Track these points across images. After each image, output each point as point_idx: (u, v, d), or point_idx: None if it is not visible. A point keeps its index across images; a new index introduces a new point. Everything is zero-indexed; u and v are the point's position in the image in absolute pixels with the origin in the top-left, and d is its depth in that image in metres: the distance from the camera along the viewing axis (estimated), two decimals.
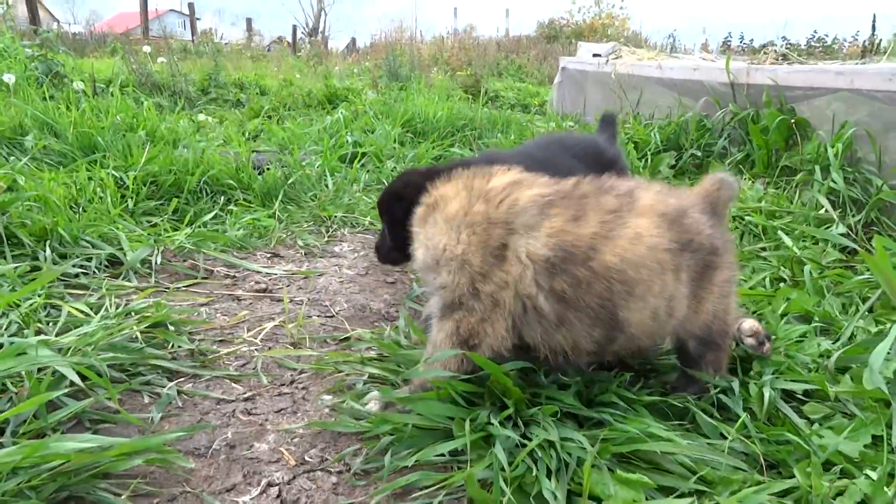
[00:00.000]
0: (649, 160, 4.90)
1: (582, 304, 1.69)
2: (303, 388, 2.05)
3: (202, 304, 2.64)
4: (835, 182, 3.49)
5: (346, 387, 2.04)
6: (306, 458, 1.68)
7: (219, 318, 2.52)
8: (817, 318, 2.57)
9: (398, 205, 2.23)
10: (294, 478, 1.60)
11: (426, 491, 1.56)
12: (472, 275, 1.72)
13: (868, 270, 2.85)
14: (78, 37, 17.48)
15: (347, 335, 2.45)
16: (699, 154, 4.72)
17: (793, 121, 3.95)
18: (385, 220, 2.41)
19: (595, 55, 7.36)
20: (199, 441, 1.71)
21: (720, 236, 1.88)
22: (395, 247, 2.34)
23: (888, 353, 1.95)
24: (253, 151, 4.99)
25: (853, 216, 3.37)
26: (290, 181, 4.33)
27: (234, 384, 2.04)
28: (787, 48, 5.04)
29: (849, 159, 3.58)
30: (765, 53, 4.88)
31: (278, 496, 1.52)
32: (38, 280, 1.86)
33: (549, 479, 1.50)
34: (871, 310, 2.60)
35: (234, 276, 3.00)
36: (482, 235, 1.73)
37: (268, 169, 4.47)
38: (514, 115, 7.56)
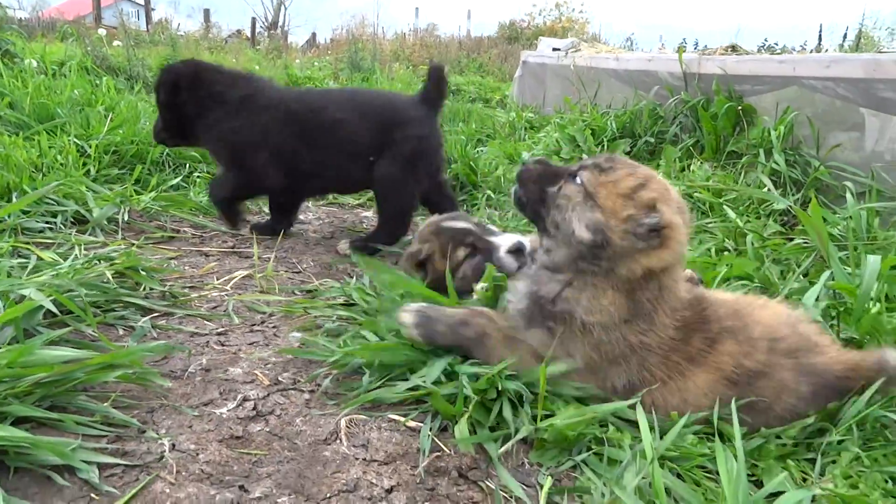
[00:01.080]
0: (606, 146, 5.09)
1: None
2: (273, 327, 2.12)
3: (171, 258, 2.68)
4: (777, 164, 3.71)
5: (316, 325, 2.12)
6: (279, 380, 1.75)
7: (188, 270, 2.57)
8: (757, 281, 2.76)
9: (174, 90, 2.93)
10: (268, 395, 1.67)
11: (393, 405, 1.66)
12: None
13: (804, 236, 3.07)
14: (24, 22, 16.91)
15: (314, 286, 2.53)
16: (652, 140, 4.93)
17: (740, 108, 4.18)
18: (160, 100, 3.02)
19: (555, 49, 7.56)
20: (174, 365, 1.77)
21: None
22: (164, 127, 3.08)
23: (816, 297, 2.12)
24: None
25: (793, 195, 3.60)
26: None
27: (206, 322, 2.10)
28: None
29: (790, 143, 3.81)
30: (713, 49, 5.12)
31: (254, 408, 1.60)
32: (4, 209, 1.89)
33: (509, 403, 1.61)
34: (805, 274, 2.80)
35: (202, 236, 3.04)
36: None
37: None
38: (475, 107, 7.70)
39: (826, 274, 2.18)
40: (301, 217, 3.57)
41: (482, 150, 5.39)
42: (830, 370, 1.61)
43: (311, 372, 1.79)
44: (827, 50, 13.61)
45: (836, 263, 2.20)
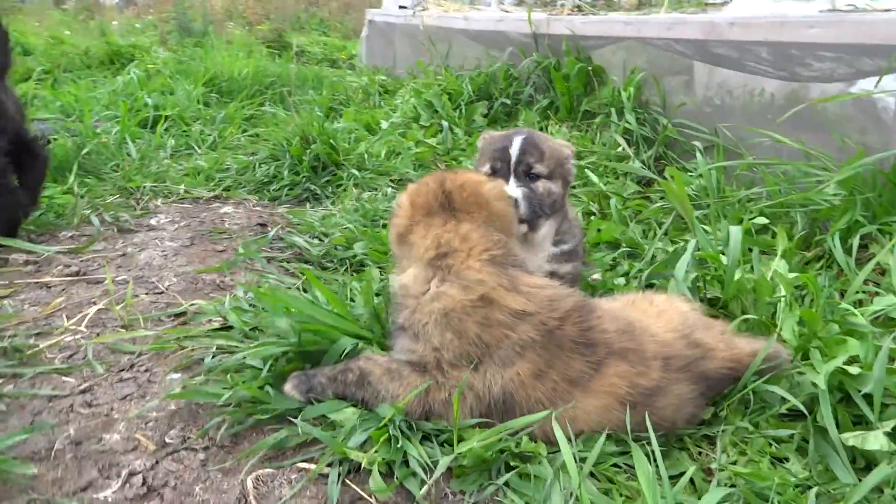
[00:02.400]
0: (463, 110, 5.07)
1: None
2: (145, 371, 1.90)
3: (3, 298, 2.32)
4: (629, 123, 3.89)
5: (194, 362, 1.93)
6: (166, 441, 1.58)
7: (28, 310, 2.24)
8: (624, 244, 2.89)
9: None
10: (157, 462, 1.50)
11: (301, 446, 1.55)
12: None
13: (662, 199, 3.25)
14: None
15: (183, 309, 2.30)
16: (509, 102, 4.97)
17: (590, 68, 4.30)
18: None
19: (401, 6, 7.37)
20: (36, 444, 1.54)
21: None
22: None
23: (686, 266, 2.25)
24: (32, 120, 4.38)
25: (646, 152, 3.79)
26: (84, 151, 3.89)
27: (64, 378, 1.84)
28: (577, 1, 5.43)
29: (639, 102, 3.99)
30: (562, 5, 5.23)
31: (143, 483, 1.43)
32: None
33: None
34: (666, 233, 2.97)
35: (37, 262, 2.66)
36: None
37: (54, 139, 3.96)
38: (324, 71, 7.37)
39: (692, 243, 2.30)
40: (152, 222, 3.24)
41: (339, 122, 5.18)
42: (722, 372, 1.69)
43: (200, 423, 1.63)
44: None
45: (700, 233, 2.34)
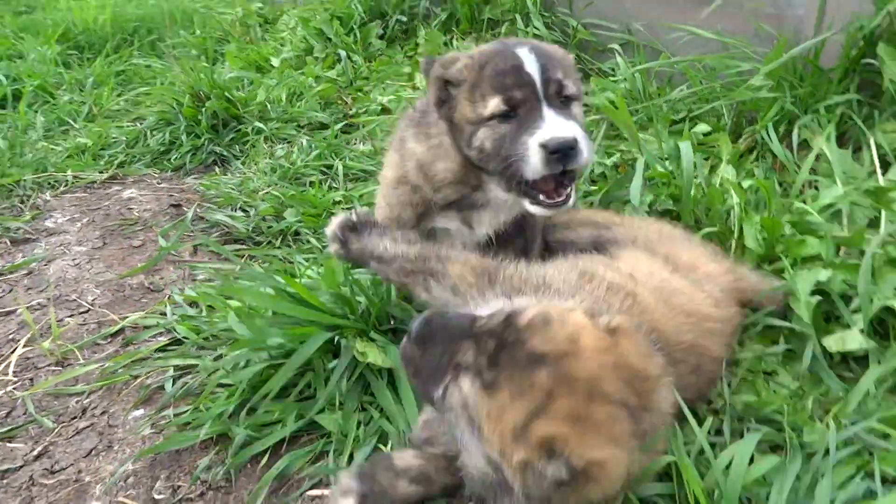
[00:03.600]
0: (357, 34, 4.73)
1: None
2: (102, 414, 1.71)
3: None
4: (537, 28, 3.73)
5: (153, 392, 1.76)
6: (156, 497, 1.44)
7: None
8: None
9: None
10: None
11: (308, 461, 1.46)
12: None
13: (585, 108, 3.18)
14: None
15: (119, 327, 2.08)
16: (405, 19, 4.67)
17: None
18: None
19: None
20: None
21: None
22: None
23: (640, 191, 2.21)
24: None
25: None
26: None
27: (10, 444, 1.62)
28: None
29: (544, 4, 3.82)
30: None
31: None
32: None
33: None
34: (600, 145, 2.92)
35: None
36: None
37: None
38: (193, 5, 6.64)
39: (640, 163, 2.26)
40: (48, 224, 2.88)
41: (223, 67, 4.73)
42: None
43: (186, 468, 1.49)
44: None
45: (648, 154, 2.30)
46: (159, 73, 4.77)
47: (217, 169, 3.43)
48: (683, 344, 1.40)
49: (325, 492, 1.40)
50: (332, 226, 1.68)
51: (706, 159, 2.42)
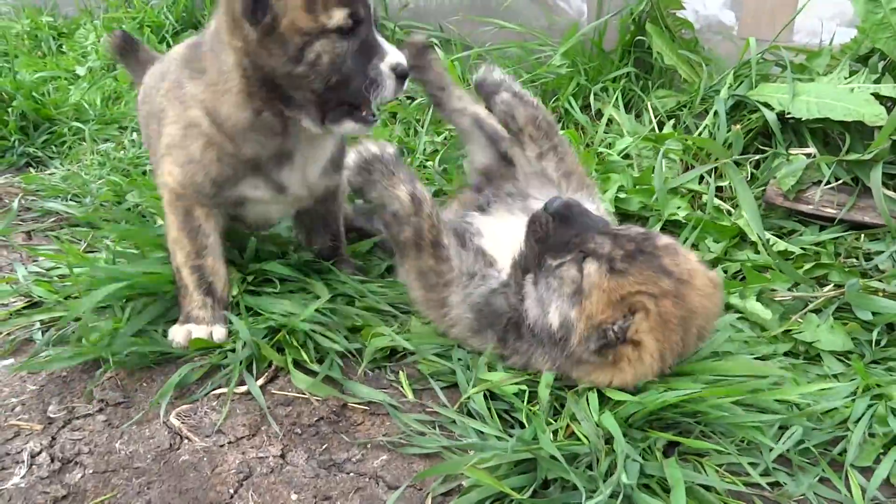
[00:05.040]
0: (171, 43, 4.70)
1: None
2: None
3: None
4: None
5: (20, 344, 1.73)
6: (51, 416, 1.46)
7: None
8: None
9: None
10: (54, 438, 1.39)
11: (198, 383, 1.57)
12: None
13: (410, 98, 3.54)
14: None
15: None
16: None
17: None
18: None
19: None
20: None
21: None
22: None
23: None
24: None
25: None
26: None
27: None
28: None
29: None
30: None
31: (54, 459, 1.33)
32: None
33: None
34: (427, 130, 3.27)
35: None
36: None
37: None
38: None
39: None
40: None
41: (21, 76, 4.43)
42: None
43: (76, 392, 1.53)
44: None
45: None
46: None
47: (32, 170, 3.25)
48: None
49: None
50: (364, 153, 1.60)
51: None
